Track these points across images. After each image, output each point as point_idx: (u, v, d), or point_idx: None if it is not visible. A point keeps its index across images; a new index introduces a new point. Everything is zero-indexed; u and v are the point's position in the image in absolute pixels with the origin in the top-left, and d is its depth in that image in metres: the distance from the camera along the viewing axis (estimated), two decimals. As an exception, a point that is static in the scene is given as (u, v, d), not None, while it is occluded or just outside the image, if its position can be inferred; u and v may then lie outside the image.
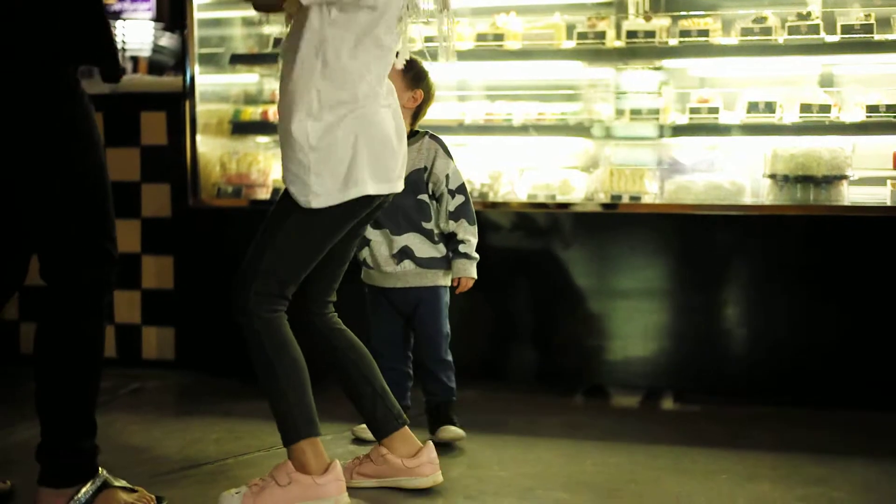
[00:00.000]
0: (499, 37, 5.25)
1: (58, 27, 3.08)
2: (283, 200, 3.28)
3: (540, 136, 5.20)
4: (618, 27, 5.17)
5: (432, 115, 5.29)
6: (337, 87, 3.16)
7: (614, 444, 4.00)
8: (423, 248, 4.00)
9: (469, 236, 3.99)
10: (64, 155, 3.10)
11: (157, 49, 6.03)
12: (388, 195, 3.32)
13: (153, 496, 3.30)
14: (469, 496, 3.47)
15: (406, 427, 3.56)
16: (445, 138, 5.35)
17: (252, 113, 5.57)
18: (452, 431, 4.02)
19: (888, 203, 4.71)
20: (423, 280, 4.03)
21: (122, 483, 3.29)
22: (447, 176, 4.01)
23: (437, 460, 3.53)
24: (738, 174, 5.00)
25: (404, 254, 3.99)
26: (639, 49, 5.07)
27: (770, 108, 4.93)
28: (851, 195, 4.81)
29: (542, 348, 4.95)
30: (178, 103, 5.41)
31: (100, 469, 3.25)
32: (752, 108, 4.97)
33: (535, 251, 5.00)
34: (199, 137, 5.41)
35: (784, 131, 4.89)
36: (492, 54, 5.25)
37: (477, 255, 3.99)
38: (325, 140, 3.16)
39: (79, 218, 3.13)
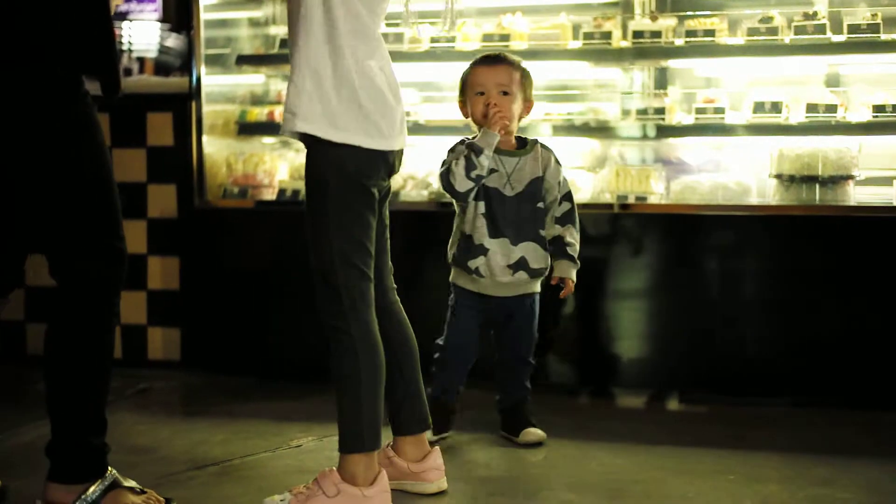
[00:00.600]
0: (505, 37, 5.25)
1: (64, 34, 3.10)
2: (308, 190, 3.25)
3: (546, 137, 5.20)
4: (624, 27, 5.17)
5: (438, 115, 5.35)
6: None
7: (620, 444, 4.00)
8: (537, 257, 3.97)
9: (574, 241, 4.02)
10: (70, 156, 3.11)
11: (163, 50, 6.02)
12: (395, 154, 3.31)
13: (162, 498, 3.31)
14: (474, 497, 3.47)
15: (423, 434, 3.56)
16: (449, 139, 5.41)
17: (258, 114, 5.57)
18: (535, 434, 4.06)
19: (894, 203, 4.71)
20: (529, 287, 4.04)
21: (132, 483, 3.29)
22: (559, 183, 4.03)
23: (442, 466, 3.52)
24: (744, 174, 5.00)
25: (520, 264, 3.96)
26: (645, 49, 5.07)
27: (776, 108, 4.93)
28: (858, 195, 4.80)
29: (548, 349, 4.94)
30: (184, 104, 5.42)
31: (109, 468, 3.26)
32: (759, 108, 4.96)
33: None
34: (205, 138, 5.41)
35: (790, 131, 4.89)
36: (498, 54, 5.23)
37: (578, 262, 4.02)
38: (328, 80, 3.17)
39: (87, 217, 3.14)
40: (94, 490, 3.21)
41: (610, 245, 4.90)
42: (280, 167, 5.55)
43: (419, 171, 5.30)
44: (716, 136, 5.03)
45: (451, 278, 4.11)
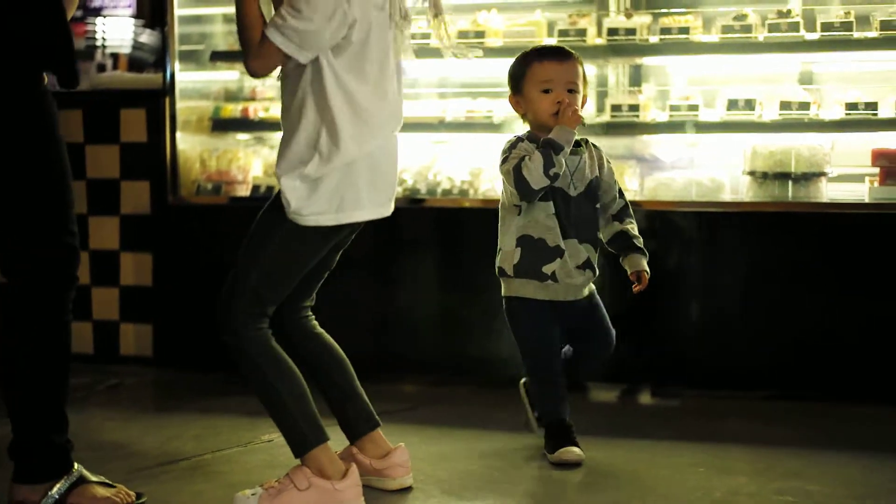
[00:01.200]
0: (480, 34, 5.25)
1: (19, 27, 3.07)
2: (272, 213, 3.22)
3: (520, 134, 5.19)
4: (599, 24, 5.18)
5: (412, 112, 5.34)
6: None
7: (592, 437, 3.99)
8: (595, 257, 3.84)
9: (637, 234, 3.88)
10: (23, 151, 3.09)
11: (137, 46, 6.00)
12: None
13: (132, 493, 3.29)
14: (446, 491, 3.47)
15: (378, 430, 3.55)
16: (425, 136, 5.41)
17: (232, 110, 5.56)
18: (574, 453, 3.75)
19: (866, 200, 4.73)
20: (590, 287, 3.89)
21: (100, 478, 3.28)
22: (615, 182, 3.91)
23: (408, 463, 3.52)
24: (718, 171, 5.01)
25: (588, 264, 3.80)
26: (620, 46, 5.07)
27: (750, 105, 4.94)
28: (830, 192, 4.82)
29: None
30: (157, 100, 5.40)
31: (75, 465, 3.24)
32: (732, 105, 4.97)
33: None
34: (178, 134, 5.40)
35: (764, 128, 4.90)
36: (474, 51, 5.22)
37: (647, 253, 3.87)
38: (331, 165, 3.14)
39: (37, 211, 3.11)
40: (59, 487, 3.19)
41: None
42: (254, 163, 5.54)
43: (394, 168, 5.29)
44: (690, 134, 5.04)
45: (507, 292, 3.87)
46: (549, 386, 3.81)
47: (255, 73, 3.18)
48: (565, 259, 3.74)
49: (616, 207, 3.88)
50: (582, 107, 3.78)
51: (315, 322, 3.54)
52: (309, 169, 3.11)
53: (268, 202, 3.26)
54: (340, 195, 3.16)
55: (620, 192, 3.91)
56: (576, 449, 3.72)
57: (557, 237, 3.73)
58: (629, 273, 3.82)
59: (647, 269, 3.82)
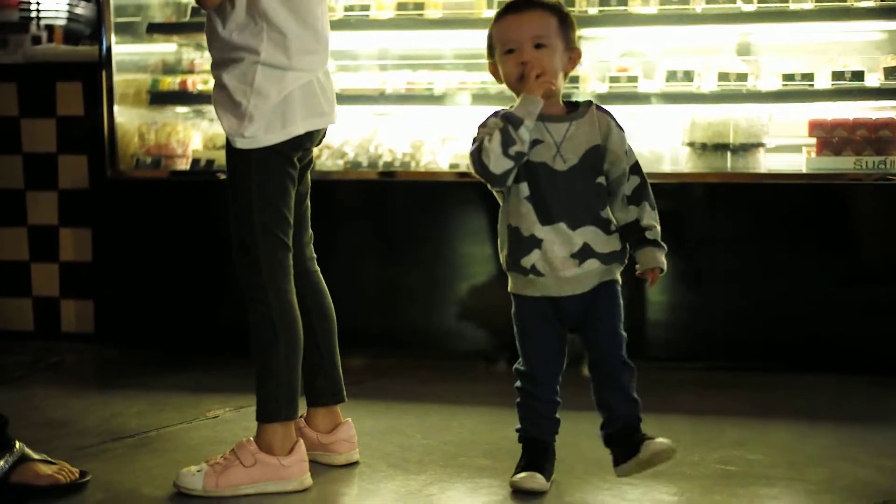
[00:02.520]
0: (419, 6, 5.23)
1: None
2: (230, 160, 3.26)
3: (462, 106, 5.20)
4: (538, -4, 5.16)
5: (353, 84, 5.33)
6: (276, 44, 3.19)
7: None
8: (603, 241, 3.19)
9: (654, 222, 3.20)
10: None
11: (72, 17, 5.92)
12: (322, 131, 3.37)
13: (76, 470, 3.28)
14: (393, 465, 3.48)
15: (336, 406, 3.55)
16: (364, 108, 5.39)
17: (170, 83, 5.50)
18: (660, 443, 3.15)
19: (804, 170, 4.79)
20: (604, 276, 3.22)
21: (42, 456, 3.26)
22: (626, 152, 3.21)
23: (354, 439, 3.52)
24: (658, 142, 5.05)
25: (586, 251, 3.17)
26: (559, 18, 5.07)
27: (688, 76, 4.98)
28: (768, 163, 4.88)
29: (466, 317, 4.96)
30: (94, 73, 5.32)
31: (17, 443, 3.22)
32: (671, 76, 5.01)
33: (456, 221, 5.00)
34: (116, 108, 5.33)
35: (702, 100, 4.94)
36: (412, 23, 5.22)
37: (665, 245, 3.22)
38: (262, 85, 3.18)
39: None
40: (1, 466, 3.17)
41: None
42: (194, 137, 5.50)
43: (334, 141, 5.29)
44: (629, 105, 5.06)
45: (509, 288, 3.30)
46: (525, 397, 3.31)
47: (204, 4, 3.20)
48: (545, 249, 3.16)
49: (630, 187, 3.21)
50: (573, 65, 3.23)
51: (320, 278, 3.53)
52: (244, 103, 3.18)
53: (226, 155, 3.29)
54: (280, 113, 3.19)
55: (635, 167, 3.23)
56: (539, 477, 3.23)
57: (533, 224, 3.15)
58: (637, 272, 3.23)
59: (664, 265, 3.20)
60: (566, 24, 3.19)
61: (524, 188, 3.17)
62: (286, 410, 3.25)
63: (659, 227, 3.22)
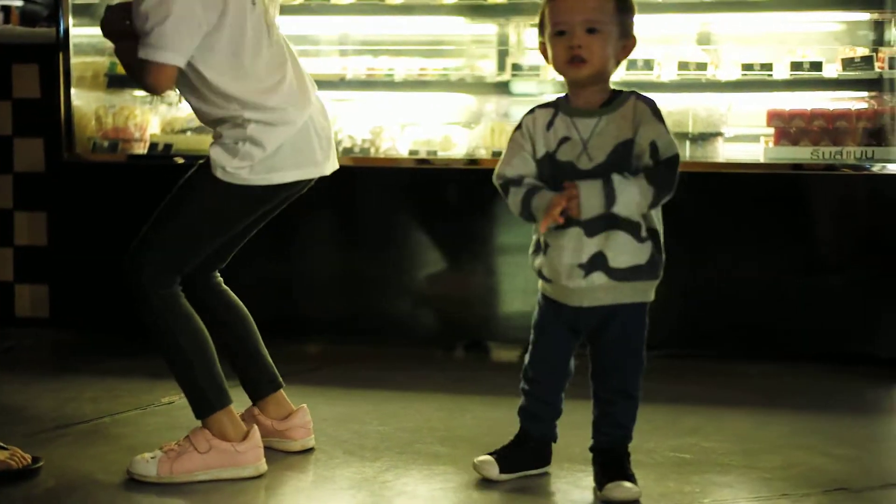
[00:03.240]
0: (381, -9, 5.22)
1: None
2: (199, 172, 3.24)
3: (422, 92, 5.18)
4: (500, -17, 5.17)
5: (315, 69, 5.29)
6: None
7: (494, 398, 4.03)
8: (624, 251, 2.94)
9: (642, 190, 2.89)
10: None
11: (29, -1, 5.89)
12: (311, 179, 3.34)
13: (28, 456, 3.25)
14: (348, 451, 3.48)
15: (281, 391, 3.55)
16: (325, 94, 5.36)
17: (129, 66, 5.44)
18: (625, 489, 3.03)
19: (762, 160, 4.81)
20: (619, 296, 3.02)
21: (-6, 441, 3.24)
22: (653, 144, 2.93)
23: (309, 425, 3.52)
24: (618, 131, 5.05)
25: (596, 263, 2.94)
26: (521, 5, 5.08)
27: (648, 65, 4.98)
28: (727, 152, 4.89)
29: (424, 305, 4.96)
30: (51, 55, 5.26)
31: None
32: (631, 65, 5.00)
33: (415, 208, 4.99)
34: (73, 90, 5.27)
35: (662, 88, 4.94)
36: (373, 9, 5.20)
37: (621, 197, 2.87)
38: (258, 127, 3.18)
39: None
40: (-48, 451, 3.15)
41: (484, 202, 4.91)
42: (152, 121, 5.44)
43: (294, 126, 5.25)
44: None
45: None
46: (525, 393, 3.23)
47: (156, 91, 3.21)
48: (550, 256, 3.00)
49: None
50: (627, 53, 3.02)
51: (220, 279, 3.53)
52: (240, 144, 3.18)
53: (197, 165, 3.28)
54: (272, 156, 3.18)
55: (654, 148, 2.93)
56: (492, 466, 3.18)
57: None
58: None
59: (582, 195, 2.87)
60: (625, 9, 2.98)
61: (543, 187, 2.98)
62: (216, 400, 3.24)
63: (640, 197, 2.88)
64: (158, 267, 3.20)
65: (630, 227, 2.93)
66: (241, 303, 3.53)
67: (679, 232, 4.75)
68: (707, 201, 4.76)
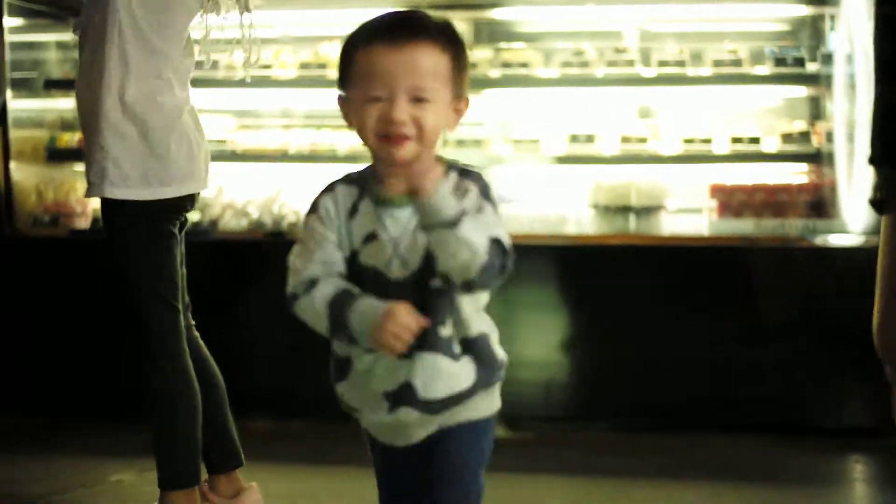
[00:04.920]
0: (322, 66, 5.24)
1: None
2: (107, 226, 3.28)
3: (352, 165, 5.17)
4: (441, 57, 5.19)
5: (255, 143, 5.29)
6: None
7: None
8: (441, 375, 2.09)
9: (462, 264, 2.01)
10: None
11: (-34, 72, 5.82)
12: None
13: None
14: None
15: (236, 471, 3.49)
16: (266, 166, 5.36)
17: (69, 140, 5.40)
18: None
19: (705, 233, 4.86)
20: (431, 428, 2.13)
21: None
22: None
23: (260, 502, 3.46)
24: (562, 204, 5.08)
25: (401, 396, 2.10)
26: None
27: (590, 139, 5.04)
28: (670, 225, 4.94)
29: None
30: (-11, 129, 5.22)
31: None
32: (574, 139, 5.07)
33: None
34: (12, 164, 5.22)
35: (605, 162, 5.02)
36: (316, 82, 5.22)
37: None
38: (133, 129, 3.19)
39: None
40: None
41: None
42: (93, 195, 5.39)
43: (238, 200, 5.23)
44: (533, 166, 5.11)
45: None
46: None
47: None
48: (352, 380, 2.18)
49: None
50: (459, 117, 2.12)
51: (201, 344, 3.48)
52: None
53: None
54: (145, 170, 3.19)
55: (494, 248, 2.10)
56: None
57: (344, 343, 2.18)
58: None
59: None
60: (460, 64, 2.10)
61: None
62: (187, 478, 3.21)
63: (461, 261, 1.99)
64: (157, 314, 3.24)
65: (442, 346, 2.10)
66: (217, 373, 3.48)
67: (625, 305, 4.80)
68: (652, 274, 4.79)
